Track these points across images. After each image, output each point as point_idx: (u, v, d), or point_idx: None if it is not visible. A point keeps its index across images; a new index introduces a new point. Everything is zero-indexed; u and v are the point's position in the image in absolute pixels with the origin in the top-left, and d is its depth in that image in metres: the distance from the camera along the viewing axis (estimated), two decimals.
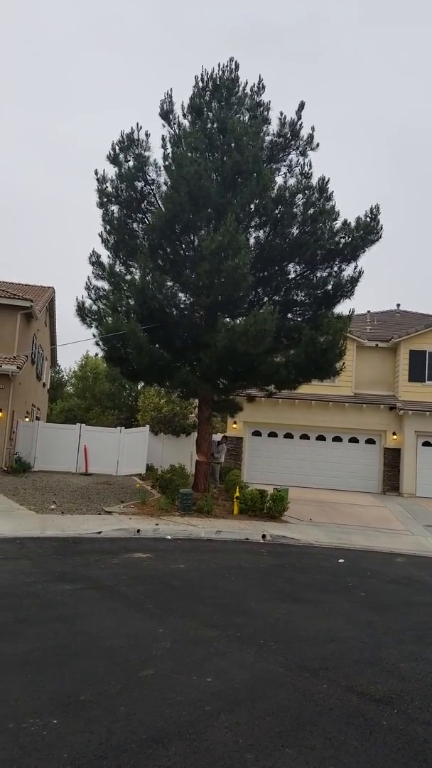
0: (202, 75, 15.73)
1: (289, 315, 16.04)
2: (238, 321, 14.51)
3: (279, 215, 14.50)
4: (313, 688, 4.57)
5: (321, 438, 22.61)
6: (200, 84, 15.75)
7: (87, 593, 6.94)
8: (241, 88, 15.74)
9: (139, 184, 15.41)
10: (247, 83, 15.80)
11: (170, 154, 14.67)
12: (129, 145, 15.42)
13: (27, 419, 23.05)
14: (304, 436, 22.65)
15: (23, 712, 3.87)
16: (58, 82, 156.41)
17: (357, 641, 5.87)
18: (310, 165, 15.56)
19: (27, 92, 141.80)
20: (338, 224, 14.75)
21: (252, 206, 14.42)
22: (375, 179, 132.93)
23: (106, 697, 4.18)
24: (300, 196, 14.74)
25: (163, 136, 15.66)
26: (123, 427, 23.65)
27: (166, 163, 14.72)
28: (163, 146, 15.63)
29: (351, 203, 17.76)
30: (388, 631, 6.26)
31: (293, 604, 7.19)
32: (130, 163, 15.40)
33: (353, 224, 14.71)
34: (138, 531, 11.32)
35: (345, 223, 14.79)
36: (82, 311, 15.18)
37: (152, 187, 15.50)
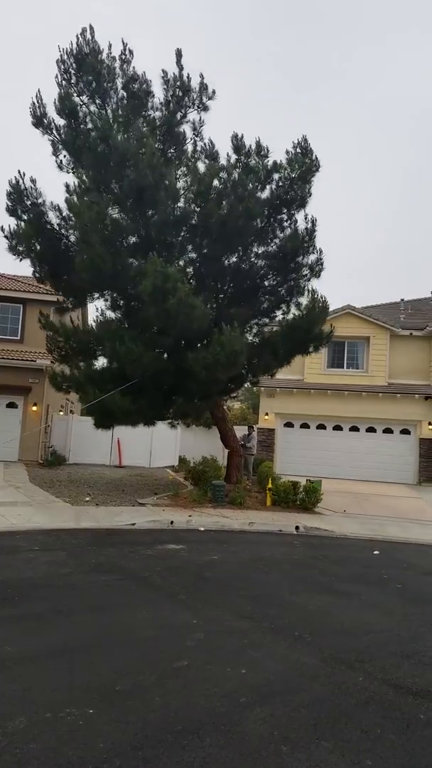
0: (61, 56, 13.47)
1: (260, 286, 14.98)
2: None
3: (203, 210, 12.94)
4: (349, 681, 4.53)
5: (354, 429, 22.33)
6: (62, 67, 13.61)
7: (122, 584, 7.01)
8: (105, 55, 13.77)
9: (47, 236, 14.02)
10: (111, 47, 13.83)
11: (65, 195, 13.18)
12: (19, 197, 13.76)
13: (61, 413, 23.37)
14: (337, 427, 22.41)
15: (60, 701, 3.93)
16: None
17: (393, 634, 5.80)
18: (212, 143, 14.47)
19: None
20: (275, 177, 13.54)
21: (171, 217, 12.99)
22: (396, 163, 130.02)
23: (141, 687, 4.21)
24: (216, 182, 12.94)
25: (52, 140, 14.02)
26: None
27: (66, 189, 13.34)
28: (55, 153, 14.10)
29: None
30: (425, 624, 6.16)
31: (328, 595, 7.14)
32: (30, 216, 13.84)
33: (284, 162, 13.51)
34: (171, 522, 11.39)
35: (276, 164, 13.48)
36: (54, 379, 14.72)
37: (64, 231, 14.16)
